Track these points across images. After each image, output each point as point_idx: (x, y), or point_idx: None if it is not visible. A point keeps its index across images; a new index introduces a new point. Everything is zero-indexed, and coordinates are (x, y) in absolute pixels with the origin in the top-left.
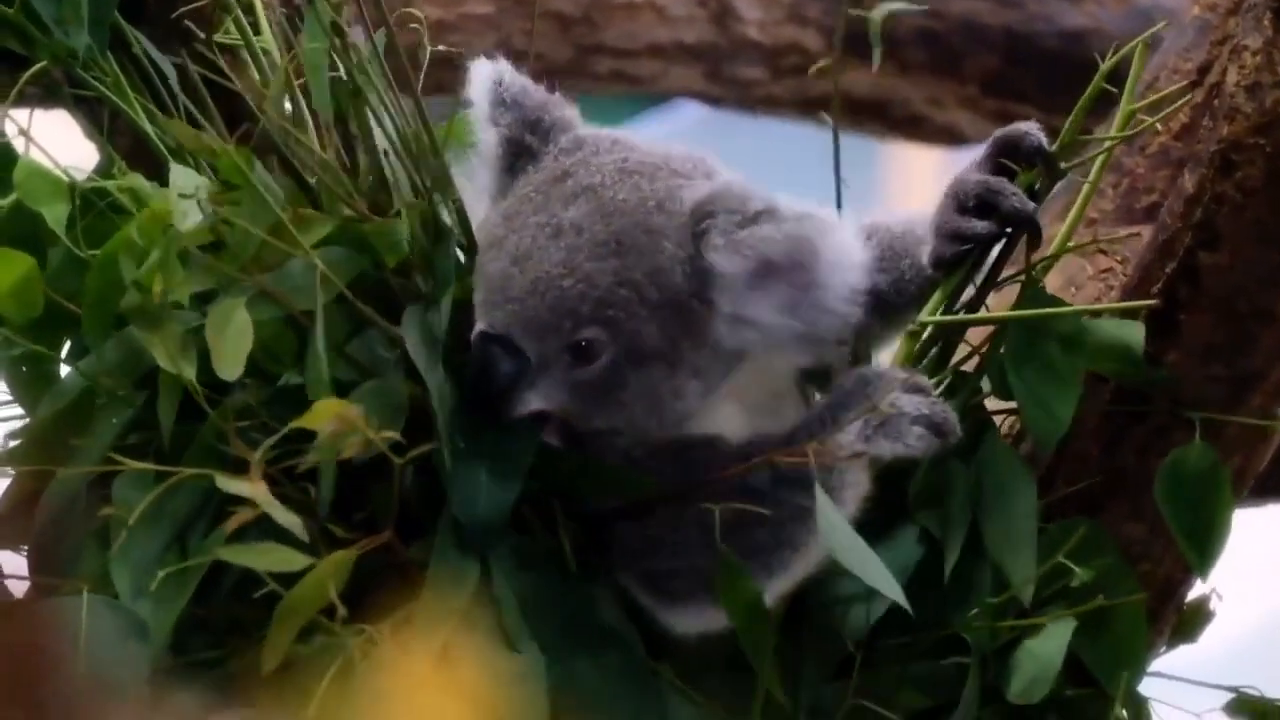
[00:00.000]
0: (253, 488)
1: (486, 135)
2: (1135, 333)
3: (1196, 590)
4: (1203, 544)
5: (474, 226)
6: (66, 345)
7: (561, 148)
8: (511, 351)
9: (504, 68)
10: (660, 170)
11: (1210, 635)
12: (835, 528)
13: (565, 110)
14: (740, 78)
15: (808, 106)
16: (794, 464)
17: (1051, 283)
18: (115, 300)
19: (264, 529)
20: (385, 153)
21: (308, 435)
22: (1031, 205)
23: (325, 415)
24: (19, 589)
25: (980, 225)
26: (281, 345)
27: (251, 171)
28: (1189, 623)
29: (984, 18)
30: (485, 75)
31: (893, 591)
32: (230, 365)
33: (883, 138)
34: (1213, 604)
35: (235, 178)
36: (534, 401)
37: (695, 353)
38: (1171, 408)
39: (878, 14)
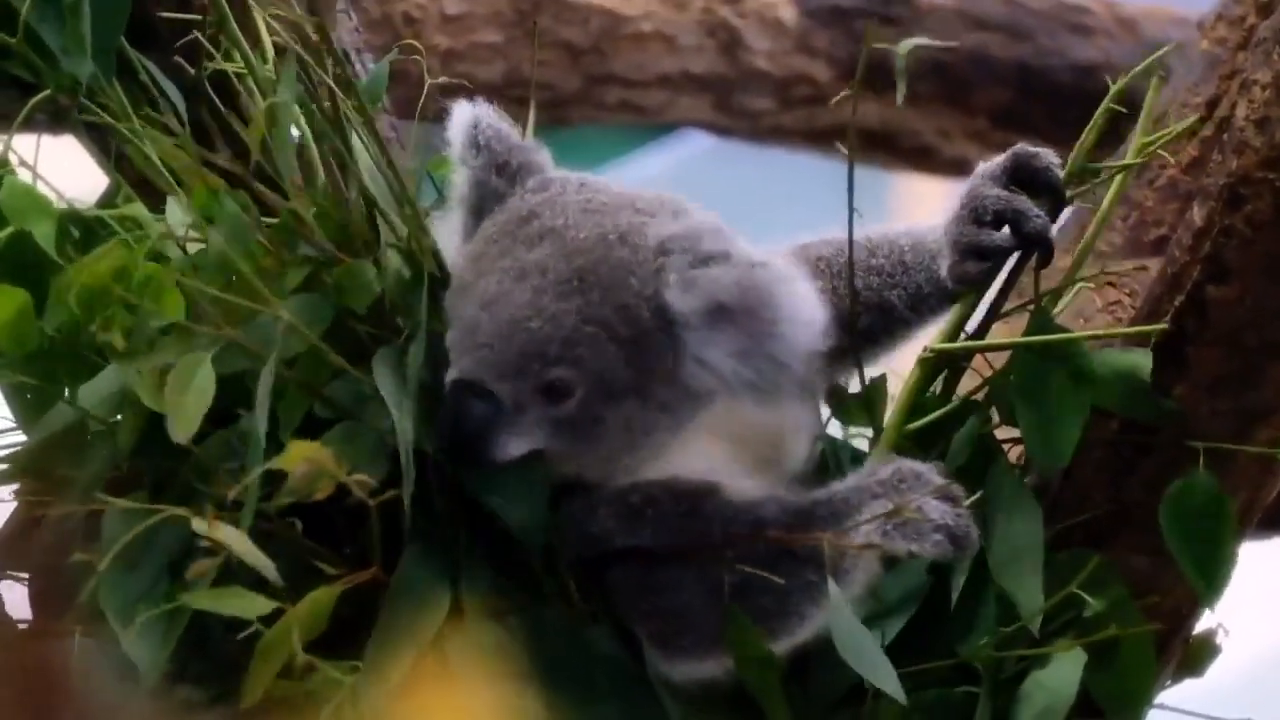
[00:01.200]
0: (224, 530)
1: (458, 176)
2: (1143, 361)
3: (1203, 623)
4: (1209, 574)
5: (448, 265)
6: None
7: (529, 189)
8: (484, 396)
9: (483, 111)
10: (624, 209)
11: (1216, 668)
12: (842, 618)
13: (536, 154)
14: (749, 108)
15: (816, 137)
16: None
17: (1061, 316)
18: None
19: (245, 568)
20: (361, 195)
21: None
22: (1052, 230)
23: (296, 458)
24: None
25: (1000, 238)
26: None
27: (221, 206)
28: (1195, 656)
29: (994, 50)
30: (464, 118)
31: (894, 689)
32: (185, 425)
33: (891, 169)
34: (1219, 638)
35: (210, 211)
36: (513, 445)
37: (665, 388)
38: (1179, 441)
39: (903, 49)
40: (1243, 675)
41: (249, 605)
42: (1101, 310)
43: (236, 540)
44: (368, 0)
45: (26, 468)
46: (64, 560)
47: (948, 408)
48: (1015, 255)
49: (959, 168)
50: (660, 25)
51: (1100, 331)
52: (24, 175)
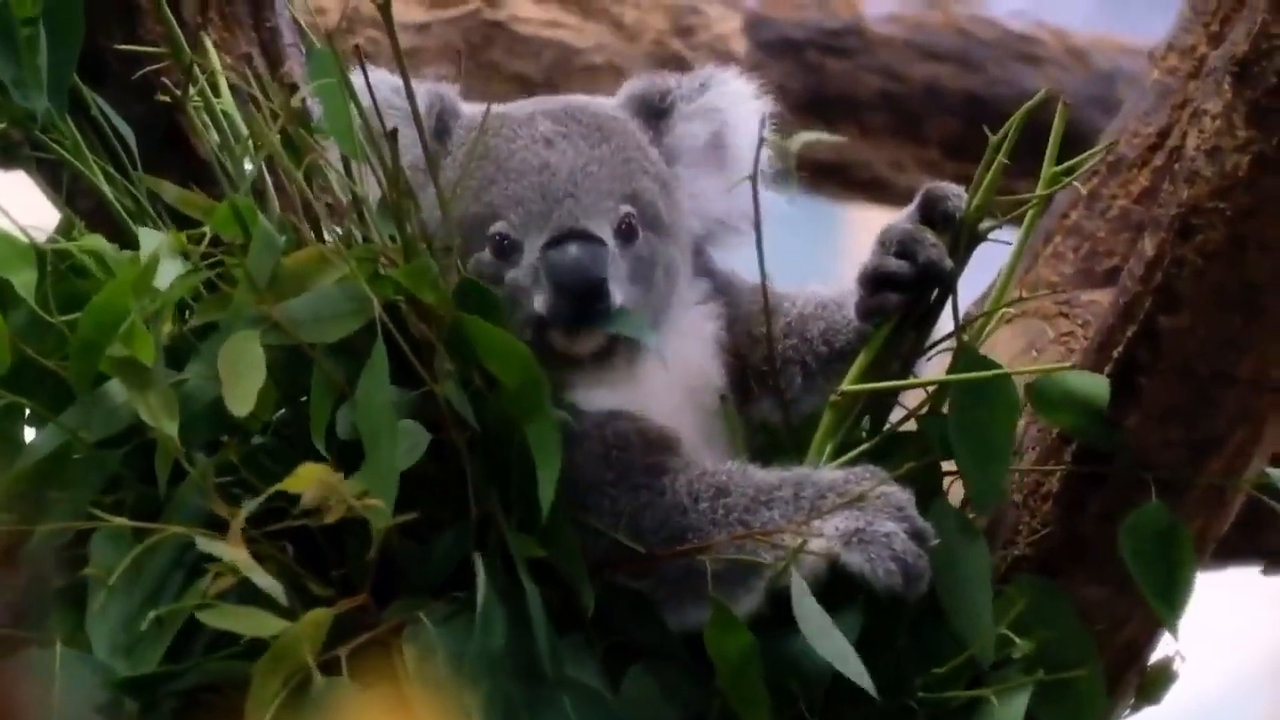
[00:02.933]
0: (233, 551)
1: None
2: (1098, 386)
3: (1160, 652)
4: (1169, 597)
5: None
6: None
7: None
8: (591, 240)
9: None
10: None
11: (1174, 697)
12: (810, 613)
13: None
14: None
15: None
16: (769, 536)
17: (1012, 346)
18: (98, 356)
19: (242, 589)
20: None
21: (285, 494)
22: (948, 261)
23: (307, 480)
24: None
25: (895, 264)
26: (261, 402)
27: (255, 223)
28: (1153, 684)
29: (945, 81)
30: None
31: (861, 679)
32: (242, 400)
33: (843, 200)
34: (1176, 666)
35: (230, 230)
36: (617, 293)
37: (681, 225)
38: (1132, 472)
39: (794, 144)
40: (1200, 707)
41: (262, 624)
42: (1054, 341)
43: (243, 561)
44: (316, 34)
45: (9, 494)
46: (42, 589)
47: (866, 445)
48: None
49: (911, 199)
50: (612, 57)
51: (1024, 369)
52: None
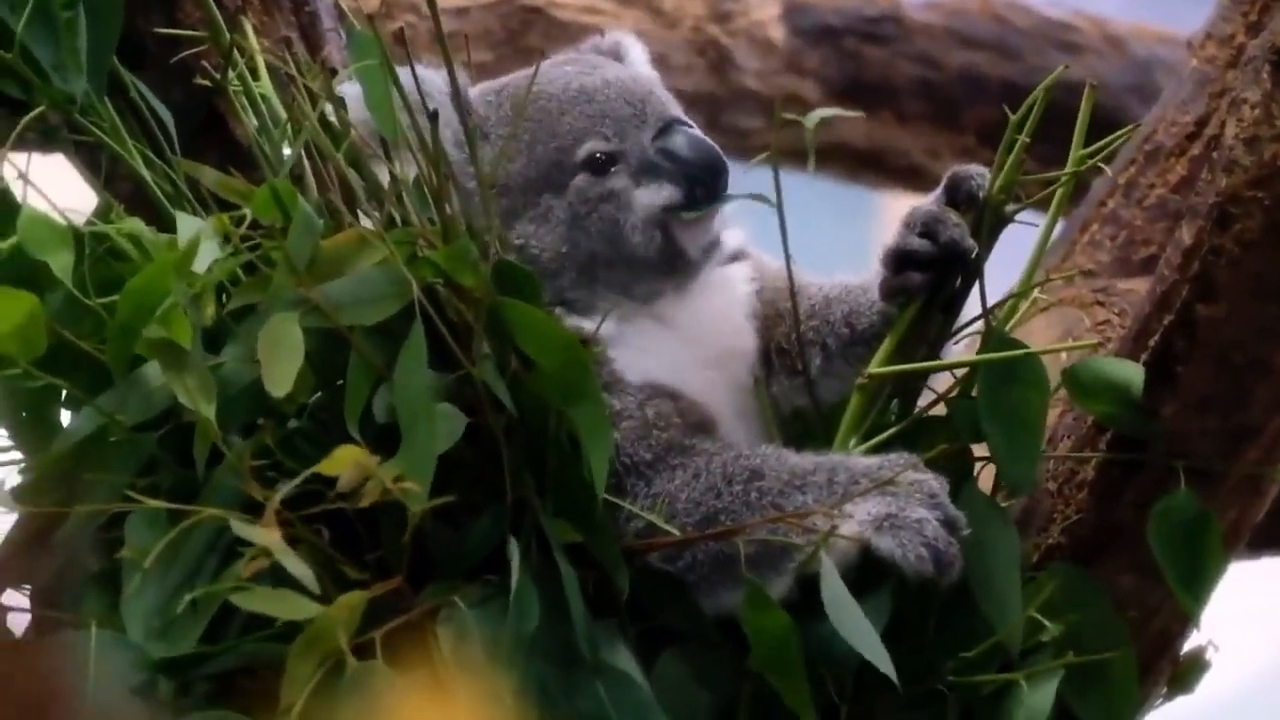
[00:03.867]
0: (267, 535)
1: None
2: (1134, 373)
3: (1193, 641)
4: (1194, 587)
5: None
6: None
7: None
8: (687, 123)
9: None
10: None
11: (1207, 686)
12: (838, 598)
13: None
14: (738, 126)
15: (805, 156)
16: (798, 519)
17: (1049, 335)
18: (135, 339)
19: (276, 571)
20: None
21: (320, 477)
22: (970, 241)
23: (344, 462)
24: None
25: (918, 243)
26: (299, 385)
27: (295, 206)
28: (1186, 674)
29: (982, 69)
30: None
31: (884, 664)
32: (281, 381)
33: (880, 188)
34: (1209, 655)
35: (269, 214)
36: None
37: None
38: (1167, 461)
39: (810, 121)
40: (1234, 695)
41: (296, 608)
42: (1090, 330)
43: (276, 545)
44: (357, 18)
45: (47, 477)
46: (73, 569)
47: (894, 429)
48: (947, 272)
49: None
50: (650, 43)
51: (1050, 347)
52: (18, 190)
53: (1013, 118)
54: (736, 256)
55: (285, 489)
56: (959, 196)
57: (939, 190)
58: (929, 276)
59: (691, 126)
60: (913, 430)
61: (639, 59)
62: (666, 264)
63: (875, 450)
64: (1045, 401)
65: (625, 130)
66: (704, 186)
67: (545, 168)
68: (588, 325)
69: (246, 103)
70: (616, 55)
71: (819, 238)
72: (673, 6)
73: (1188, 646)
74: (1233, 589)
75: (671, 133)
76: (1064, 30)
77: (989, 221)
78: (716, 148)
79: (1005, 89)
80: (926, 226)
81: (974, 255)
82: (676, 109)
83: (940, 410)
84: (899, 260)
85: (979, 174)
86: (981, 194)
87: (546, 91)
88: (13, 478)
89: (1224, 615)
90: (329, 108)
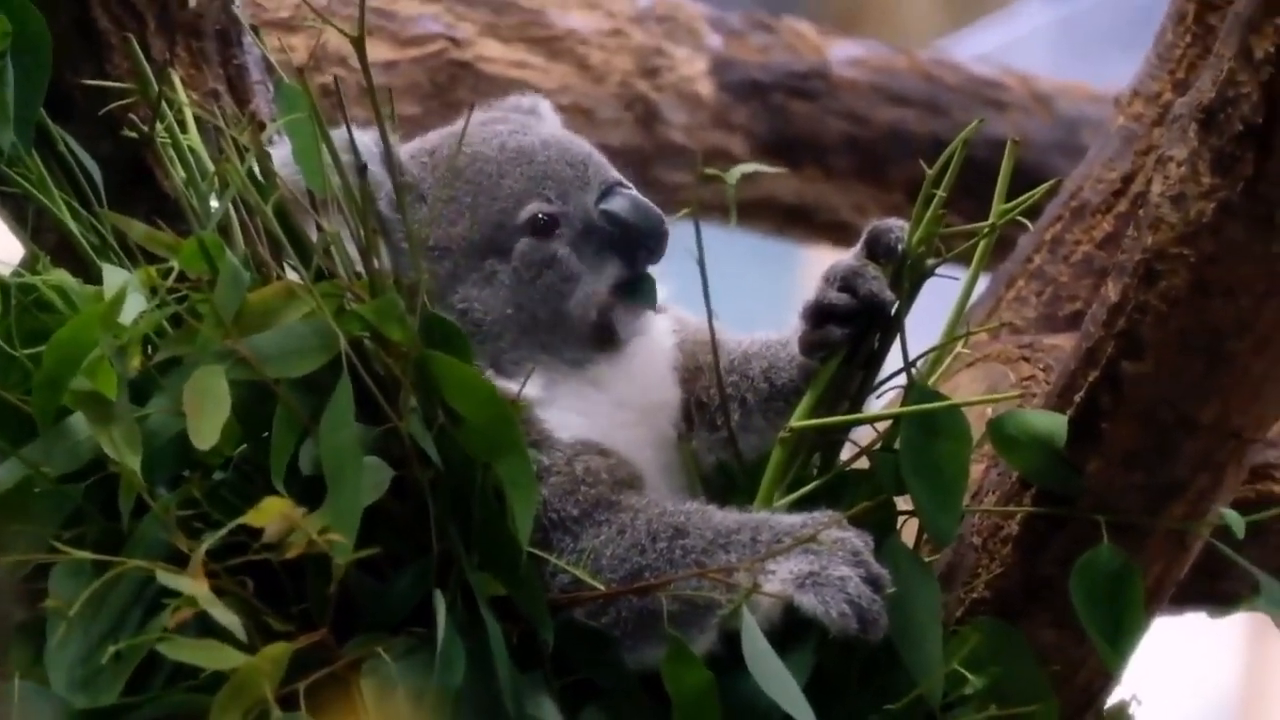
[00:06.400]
0: (194, 584)
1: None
2: (1058, 425)
3: (1117, 696)
4: (1117, 642)
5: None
6: None
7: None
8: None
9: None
10: None
11: None
12: (759, 654)
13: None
14: (666, 181)
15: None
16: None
17: (973, 390)
18: (61, 390)
19: (202, 621)
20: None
21: (246, 529)
22: (889, 294)
23: (270, 514)
24: None
25: (836, 296)
26: (225, 437)
27: (222, 258)
28: None
29: (910, 126)
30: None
31: (806, 718)
32: (207, 433)
33: (807, 243)
34: (1133, 710)
35: (196, 267)
36: None
37: None
38: (1092, 516)
39: (731, 177)
40: None
41: (222, 657)
42: (1015, 385)
43: (203, 595)
44: (286, 70)
45: None
46: (2, 623)
47: (817, 482)
48: (867, 325)
49: None
50: (578, 98)
51: (973, 399)
52: None
53: (930, 171)
54: (657, 310)
55: (211, 539)
56: (879, 250)
57: (859, 244)
58: (849, 330)
59: (632, 189)
60: (835, 484)
61: (554, 121)
62: (599, 341)
63: (799, 504)
64: (968, 454)
65: (568, 192)
66: (646, 250)
67: (488, 230)
68: (518, 387)
69: (174, 155)
70: (535, 116)
71: (743, 291)
72: (600, 61)
73: (1111, 701)
74: (1157, 644)
75: (614, 195)
76: (991, 88)
77: (909, 275)
78: (659, 211)
79: (933, 145)
80: (846, 280)
81: (894, 308)
82: (615, 171)
83: (863, 464)
84: (818, 314)
85: (898, 227)
86: (901, 247)
87: (483, 153)
88: None
89: (1148, 670)
90: (256, 161)
